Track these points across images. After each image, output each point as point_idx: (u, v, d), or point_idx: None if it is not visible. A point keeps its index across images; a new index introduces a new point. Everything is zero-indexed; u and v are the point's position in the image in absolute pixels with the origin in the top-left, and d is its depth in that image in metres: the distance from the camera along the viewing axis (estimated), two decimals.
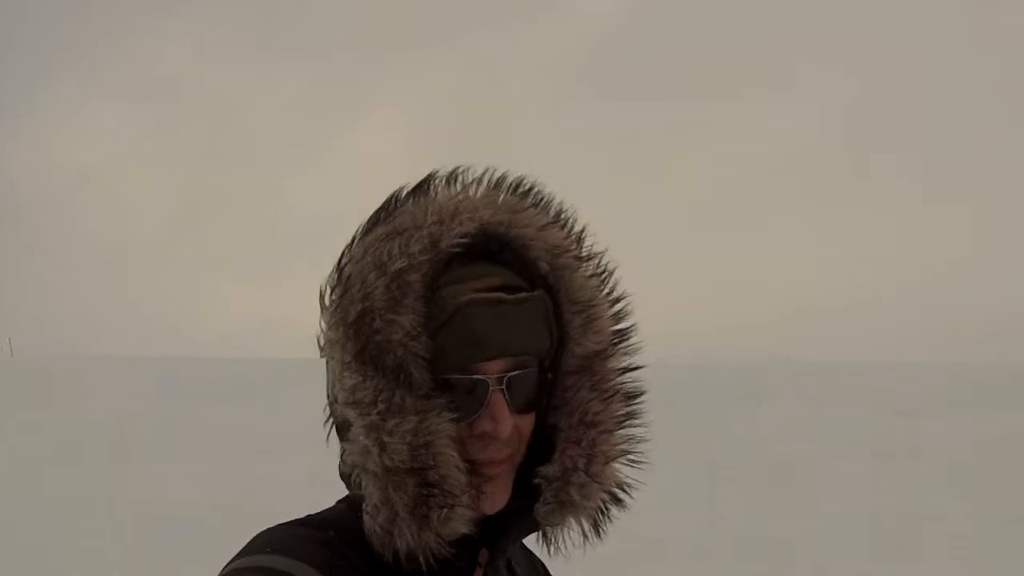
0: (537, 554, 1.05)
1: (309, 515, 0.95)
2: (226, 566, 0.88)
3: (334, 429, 0.94)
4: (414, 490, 0.85)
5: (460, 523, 0.86)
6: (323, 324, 0.89)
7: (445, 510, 0.85)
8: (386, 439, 0.84)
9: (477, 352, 0.87)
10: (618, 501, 0.95)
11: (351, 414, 0.86)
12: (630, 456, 0.95)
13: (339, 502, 0.97)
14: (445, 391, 0.87)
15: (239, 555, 0.89)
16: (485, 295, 0.88)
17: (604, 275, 0.95)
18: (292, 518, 0.94)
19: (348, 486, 0.95)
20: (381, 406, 0.84)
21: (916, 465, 10.40)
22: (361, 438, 0.85)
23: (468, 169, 0.93)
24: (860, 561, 6.94)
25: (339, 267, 0.89)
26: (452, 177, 0.92)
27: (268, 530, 0.92)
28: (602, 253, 0.96)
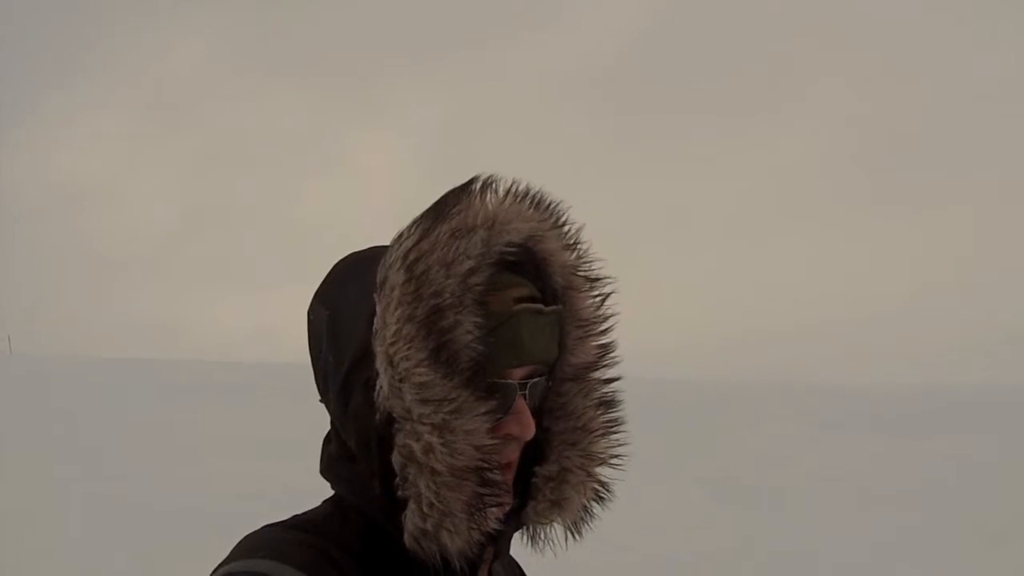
0: (521, 552, 1.09)
1: (295, 516, 0.97)
2: (215, 570, 0.89)
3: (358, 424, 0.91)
4: (472, 489, 0.87)
5: (492, 521, 0.90)
6: (386, 318, 0.87)
7: (494, 509, 0.89)
8: (450, 437, 0.86)
9: (517, 358, 0.91)
10: (601, 499, 1.01)
11: (419, 411, 0.86)
12: (616, 460, 1.00)
13: (324, 503, 0.99)
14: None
15: (228, 559, 0.90)
16: (529, 305, 0.92)
17: (603, 298, 1.00)
18: (277, 520, 0.96)
19: (333, 485, 0.98)
20: (452, 405, 0.86)
21: (914, 483, 10.41)
22: (426, 435, 0.86)
23: (502, 179, 0.94)
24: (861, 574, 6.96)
25: (407, 263, 0.88)
26: (488, 184, 0.93)
27: (255, 533, 0.93)
28: (605, 279, 1.00)
